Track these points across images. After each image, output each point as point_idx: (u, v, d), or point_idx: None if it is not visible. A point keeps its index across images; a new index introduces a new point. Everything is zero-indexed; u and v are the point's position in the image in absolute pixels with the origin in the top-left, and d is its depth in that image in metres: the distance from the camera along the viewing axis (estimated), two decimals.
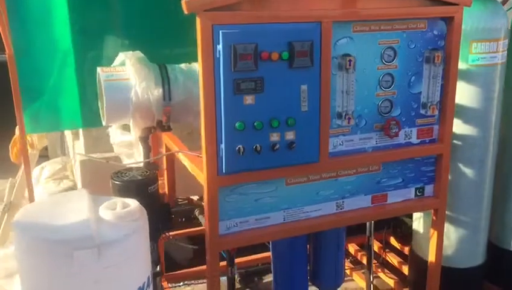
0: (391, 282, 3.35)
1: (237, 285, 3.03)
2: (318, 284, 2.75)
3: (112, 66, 2.79)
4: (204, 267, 3.24)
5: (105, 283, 1.93)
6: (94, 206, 2.06)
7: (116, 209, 2.03)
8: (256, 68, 1.92)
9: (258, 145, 2.00)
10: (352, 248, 3.66)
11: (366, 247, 3.22)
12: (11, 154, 3.64)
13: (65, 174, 4.63)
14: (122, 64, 2.79)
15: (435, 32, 2.26)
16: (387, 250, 3.57)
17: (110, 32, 3.14)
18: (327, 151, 2.17)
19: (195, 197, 4.42)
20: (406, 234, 3.54)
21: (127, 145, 2.86)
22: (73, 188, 4.40)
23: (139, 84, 2.60)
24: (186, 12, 1.85)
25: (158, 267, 2.63)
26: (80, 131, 3.56)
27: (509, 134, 2.95)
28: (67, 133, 4.42)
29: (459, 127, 2.66)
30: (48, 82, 3.13)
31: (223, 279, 2.52)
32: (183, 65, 2.84)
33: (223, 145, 1.98)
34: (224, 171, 2.01)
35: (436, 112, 2.33)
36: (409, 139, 2.35)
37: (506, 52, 2.65)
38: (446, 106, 2.34)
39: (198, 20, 1.86)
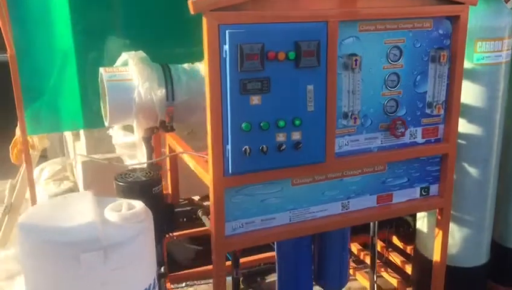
0: (394, 281, 3.34)
1: (240, 285, 3.01)
2: (323, 285, 2.75)
3: (114, 66, 2.77)
4: (207, 267, 3.29)
5: (112, 285, 1.91)
6: (99, 207, 2.05)
7: (121, 211, 2.02)
8: (262, 68, 1.91)
9: (264, 146, 1.98)
10: (354, 247, 3.65)
11: (369, 246, 3.21)
12: (11, 155, 3.62)
13: (65, 175, 4.61)
14: (125, 64, 2.77)
15: (441, 32, 2.26)
16: (389, 249, 3.57)
17: (111, 32, 3.12)
18: (333, 151, 2.17)
19: (196, 198, 4.41)
20: (408, 233, 3.54)
21: (129, 146, 2.84)
22: (73, 189, 4.38)
23: (142, 84, 2.58)
24: (192, 12, 1.83)
25: (162, 268, 2.61)
26: (81, 132, 3.54)
27: None
28: (67, 134, 4.39)
29: (463, 126, 2.65)
30: (49, 82, 3.10)
31: (227, 279, 2.52)
32: (186, 65, 2.82)
33: (229, 146, 1.97)
34: (230, 172, 2.00)
35: (442, 112, 2.32)
36: (414, 138, 2.35)
37: (510, 51, 2.64)
38: (452, 105, 2.33)
39: (204, 20, 1.85)
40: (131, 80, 2.60)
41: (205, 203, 4.44)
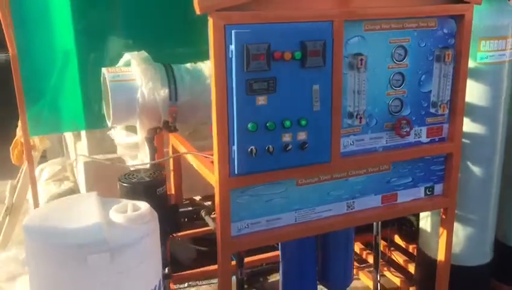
0: (397, 280, 3.34)
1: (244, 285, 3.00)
2: (327, 285, 2.74)
3: (116, 66, 2.76)
4: (210, 267, 3.29)
5: (118, 287, 1.91)
6: (104, 209, 2.04)
7: (127, 213, 2.01)
8: (268, 68, 1.90)
9: (270, 146, 1.98)
10: (357, 246, 3.65)
11: (372, 246, 3.21)
12: (12, 156, 3.61)
13: (65, 175, 4.60)
14: (127, 64, 2.76)
15: (445, 31, 2.25)
16: (392, 248, 3.56)
17: (112, 33, 3.11)
18: (339, 151, 2.16)
19: (197, 198, 4.40)
20: (410, 232, 3.54)
21: (132, 146, 2.83)
22: (73, 189, 4.36)
23: (145, 84, 2.57)
24: (198, 12, 1.82)
25: (167, 269, 2.61)
26: (83, 132, 3.52)
27: None
28: (67, 134, 4.38)
29: (466, 125, 2.64)
30: (50, 83, 3.09)
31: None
32: (188, 65, 2.82)
33: (235, 147, 1.96)
34: (236, 172, 1.99)
35: (447, 111, 2.31)
36: (418, 138, 2.34)
37: None
38: (456, 105, 2.33)
39: (210, 20, 1.84)
40: (134, 80, 2.60)
41: (206, 203, 4.44)
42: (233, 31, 1.84)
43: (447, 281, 2.61)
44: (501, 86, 2.65)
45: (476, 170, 2.77)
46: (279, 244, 2.61)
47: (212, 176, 2.12)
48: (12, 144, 3.57)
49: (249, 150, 1.96)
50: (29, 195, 3.69)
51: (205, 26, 2.03)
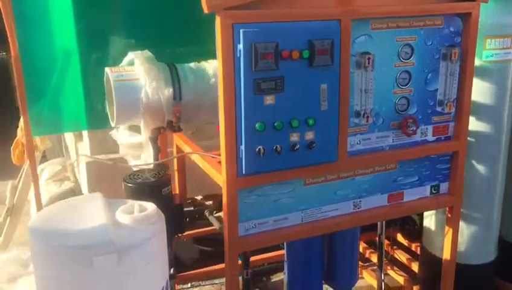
0: (401, 279, 3.34)
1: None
2: (332, 284, 2.74)
3: (119, 65, 2.74)
4: (213, 267, 3.28)
5: (125, 289, 1.89)
6: (109, 210, 2.03)
7: (133, 213, 1.99)
8: (277, 67, 1.88)
9: (278, 146, 1.96)
10: (360, 245, 3.64)
11: (376, 245, 3.21)
12: (13, 156, 3.59)
13: (65, 175, 4.58)
14: (130, 63, 2.74)
15: (451, 29, 2.24)
16: (395, 247, 3.56)
17: (115, 32, 3.09)
18: (346, 150, 2.15)
19: (198, 197, 4.39)
20: (413, 231, 3.53)
21: (136, 146, 2.81)
22: (74, 189, 4.34)
23: (149, 84, 2.56)
24: (206, 11, 1.81)
25: (172, 269, 2.59)
26: (84, 132, 3.50)
27: None
28: (68, 134, 4.35)
29: (472, 123, 2.63)
30: (52, 84, 3.07)
31: None
32: (192, 64, 2.81)
33: (242, 147, 1.94)
34: (244, 172, 1.98)
35: (453, 109, 2.31)
36: (425, 136, 2.33)
37: None
38: (462, 103, 2.32)
39: (218, 19, 1.82)
40: (138, 80, 2.58)
41: (207, 203, 4.43)
42: (241, 30, 1.82)
43: (453, 280, 2.61)
44: (506, 84, 2.64)
45: (480, 168, 2.77)
46: (285, 244, 2.60)
47: (219, 176, 2.11)
48: (13, 144, 3.54)
49: (257, 149, 1.94)
50: (30, 195, 3.67)
51: (208, 25, 2.02)
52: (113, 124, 2.71)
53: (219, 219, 2.53)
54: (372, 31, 2.10)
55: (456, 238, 2.55)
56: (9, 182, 3.84)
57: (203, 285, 3.54)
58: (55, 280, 1.89)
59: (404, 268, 3.44)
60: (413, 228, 3.55)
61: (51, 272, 1.89)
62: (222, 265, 3.10)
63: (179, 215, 2.53)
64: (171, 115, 2.63)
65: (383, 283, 3.17)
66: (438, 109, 2.31)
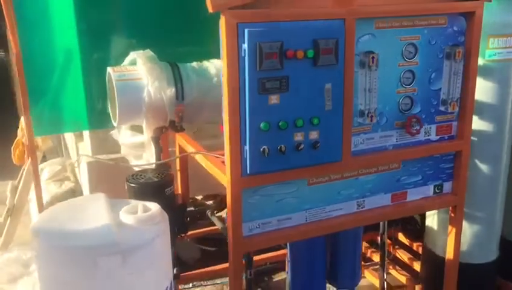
0: (403, 279, 3.34)
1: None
2: (336, 284, 2.73)
3: (121, 65, 2.73)
4: (215, 267, 3.27)
5: (130, 289, 1.88)
6: (113, 210, 2.02)
7: (137, 214, 1.98)
8: (281, 67, 1.88)
9: (282, 146, 1.96)
10: None
11: (378, 244, 3.21)
12: (13, 157, 3.57)
13: (65, 175, 4.56)
14: (132, 63, 2.73)
15: (455, 28, 2.24)
16: (396, 247, 3.56)
17: (116, 32, 3.08)
18: (350, 150, 2.15)
19: (199, 197, 4.39)
20: (415, 230, 3.53)
21: (138, 146, 2.80)
22: (74, 189, 4.34)
23: (151, 83, 2.55)
24: (211, 10, 1.80)
25: (175, 269, 2.58)
26: (85, 132, 3.49)
27: None
28: (68, 134, 4.34)
29: (474, 123, 2.62)
30: (53, 84, 3.06)
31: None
32: (194, 64, 2.80)
33: (247, 146, 1.94)
34: (248, 172, 1.97)
35: (456, 109, 2.31)
36: (428, 136, 2.33)
37: None
38: (466, 102, 2.32)
39: (222, 19, 1.82)
40: (141, 79, 2.57)
41: (208, 203, 4.42)
42: (246, 30, 1.82)
43: (456, 279, 2.61)
44: (509, 84, 2.64)
45: (483, 167, 2.76)
46: (288, 243, 2.60)
47: (223, 176, 2.10)
48: (13, 144, 3.53)
49: (261, 149, 1.94)
50: (30, 196, 3.66)
51: (210, 24, 2.02)
52: (115, 124, 2.70)
53: (220, 219, 2.53)
54: (376, 30, 2.09)
55: (459, 238, 2.55)
56: (10, 182, 3.83)
57: (205, 285, 3.53)
58: (59, 280, 1.88)
59: (405, 267, 3.43)
60: (414, 227, 3.55)
61: (55, 273, 1.89)
62: (224, 265, 3.11)
63: (182, 215, 2.52)
64: (173, 114, 2.62)
65: (385, 282, 3.16)
66: (442, 108, 2.31)
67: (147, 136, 2.67)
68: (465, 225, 2.82)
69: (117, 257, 1.83)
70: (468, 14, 2.23)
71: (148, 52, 2.69)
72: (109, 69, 2.61)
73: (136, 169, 2.63)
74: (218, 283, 3.55)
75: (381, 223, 3.08)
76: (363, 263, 3.59)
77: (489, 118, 2.68)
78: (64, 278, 1.87)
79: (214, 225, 2.54)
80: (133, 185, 2.34)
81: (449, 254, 2.58)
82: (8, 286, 3.32)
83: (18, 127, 3.49)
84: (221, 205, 4.06)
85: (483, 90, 2.62)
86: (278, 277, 3.58)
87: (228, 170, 1.99)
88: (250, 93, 1.88)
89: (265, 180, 2.04)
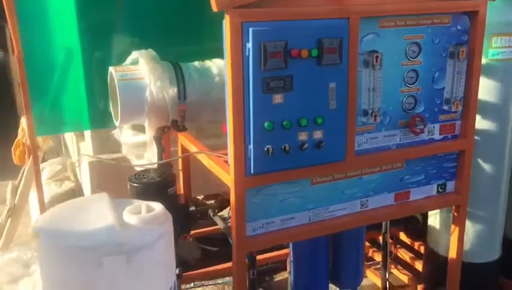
0: (405, 278, 3.33)
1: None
2: (338, 283, 2.72)
3: (123, 64, 2.73)
4: (217, 267, 3.26)
5: (134, 289, 1.88)
6: (116, 210, 2.01)
7: (141, 214, 1.98)
8: (286, 66, 1.87)
9: (286, 145, 1.95)
10: None
11: (381, 243, 3.20)
12: (14, 157, 3.56)
13: (65, 175, 4.55)
14: (133, 63, 2.73)
15: (459, 27, 2.24)
16: (398, 246, 3.56)
17: (117, 31, 3.07)
18: (353, 149, 2.14)
19: (200, 197, 4.37)
20: (417, 229, 3.53)
21: (139, 146, 2.79)
22: (75, 189, 4.33)
23: (153, 83, 2.54)
24: (215, 9, 1.79)
25: (177, 269, 2.57)
26: (86, 132, 3.48)
27: None
28: (68, 134, 4.33)
29: (477, 122, 2.62)
30: (54, 83, 3.05)
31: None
32: (196, 63, 2.79)
33: (251, 146, 1.93)
34: (252, 172, 1.97)
35: (460, 108, 2.30)
36: (431, 135, 2.33)
37: None
38: (469, 101, 2.32)
39: (227, 18, 1.81)
40: (143, 79, 2.56)
41: (209, 203, 4.41)
42: (250, 29, 1.81)
43: (458, 279, 2.61)
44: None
45: (485, 166, 2.76)
46: (290, 243, 2.59)
47: (226, 176, 2.10)
48: (14, 144, 3.52)
49: (265, 149, 1.93)
50: (30, 196, 3.65)
51: (212, 24, 2.01)
52: (117, 124, 2.69)
53: (222, 218, 2.53)
54: (379, 29, 2.09)
55: (462, 237, 2.55)
56: (10, 183, 3.82)
57: (206, 285, 3.52)
58: (63, 280, 1.88)
59: (407, 267, 3.43)
60: (416, 226, 3.54)
61: (59, 273, 1.88)
62: (226, 265, 3.11)
63: (184, 215, 2.51)
64: (175, 114, 2.62)
65: (387, 282, 3.16)
66: (445, 107, 2.31)
67: (149, 135, 2.66)
68: (467, 224, 2.81)
69: (121, 258, 1.82)
70: (471, 13, 2.23)
71: (151, 51, 2.69)
72: (111, 69, 2.61)
73: (138, 169, 2.62)
74: (219, 283, 3.54)
75: (383, 223, 3.07)
76: (364, 262, 3.59)
77: (493, 117, 2.67)
78: (68, 278, 1.86)
79: (215, 224, 2.53)
80: (135, 184, 2.33)
81: (452, 253, 2.57)
82: (8, 287, 3.31)
83: (18, 127, 3.48)
84: (222, 205, 4.05)
85: (486, 89, 2.61)
86: (279, 277, 3.57)
87: (232, 170, 1.98)
88: (254, 92, 1.87)
89: (269, 180, 2.04)
